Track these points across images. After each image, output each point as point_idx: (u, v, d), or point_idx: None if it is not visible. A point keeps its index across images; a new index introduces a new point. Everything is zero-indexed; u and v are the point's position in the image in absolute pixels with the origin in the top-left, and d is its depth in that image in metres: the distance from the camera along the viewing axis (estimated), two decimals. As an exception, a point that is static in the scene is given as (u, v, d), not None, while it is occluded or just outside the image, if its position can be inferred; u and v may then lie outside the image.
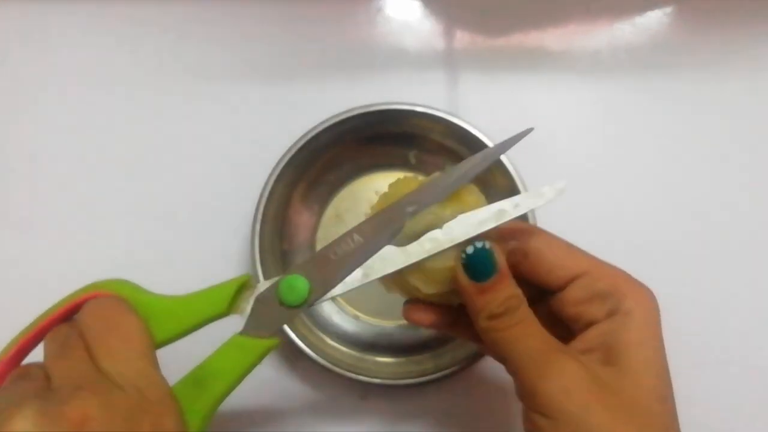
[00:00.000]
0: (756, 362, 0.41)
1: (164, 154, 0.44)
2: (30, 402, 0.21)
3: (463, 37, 0.47)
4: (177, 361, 0.27)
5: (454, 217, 0.27)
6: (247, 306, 0.27)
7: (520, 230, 0.29)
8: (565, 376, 0.24)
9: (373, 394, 0.40)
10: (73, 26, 0.46)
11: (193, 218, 0.43)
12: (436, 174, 0.28)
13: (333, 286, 0.27)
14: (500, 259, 0.26)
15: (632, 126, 0.45)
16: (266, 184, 0.38)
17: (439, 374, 0.36)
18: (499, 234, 0.28)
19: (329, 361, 0.36)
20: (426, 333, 0.40)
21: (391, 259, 0.27)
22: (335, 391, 0.40)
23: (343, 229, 0.41)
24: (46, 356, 0.25)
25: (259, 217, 0.38)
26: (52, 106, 0.45)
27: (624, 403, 0.24)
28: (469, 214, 0.27)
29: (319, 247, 0.42)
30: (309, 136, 0.38)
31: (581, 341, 0.27)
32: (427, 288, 0.28)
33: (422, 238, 0.27)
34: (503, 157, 0.38)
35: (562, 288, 0.28)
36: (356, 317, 0.41)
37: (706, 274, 0.42)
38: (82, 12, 0.46)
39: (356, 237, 0.27)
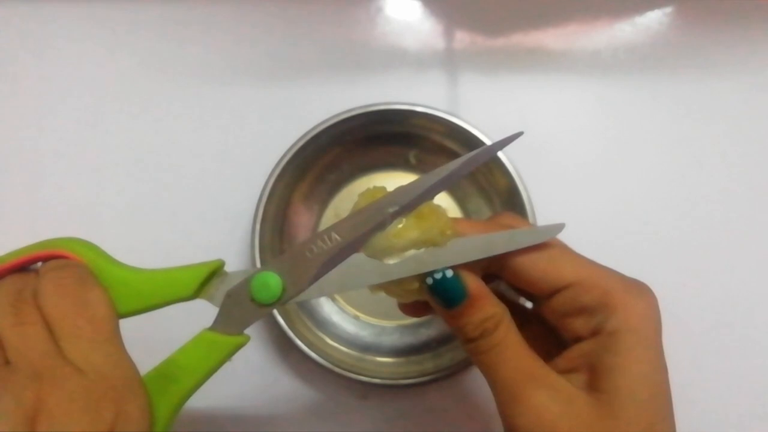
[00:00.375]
0: (757, 362, 0.41)
1: (165, 155, 0.44)
2: None
3: (463, 38, 0.47)
4: (137, 344, 0.26)
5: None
6: (216, 294, 0.26)
7: (491, 230, 0.27)
8: (532, 411, 0.24)
9: (373, 394, 0.40)
10: (75, 28, 0.46)
11: (194, 217, 0.43)
12: (422, 176, 0.27)
13: (307, 287, 0.26)
14: (470, 282, 0.25)
15: (632, 125, 0.45)
16: (266, 183, 0.38)
17: (438, 374, 0.37)
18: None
19: (330, 361, 0.36)
20: (426, 334, 0.40)
21: (368, 272, 0.26)
22: (336, 391, 0.40)
23: (343, 229, 0.42)
24: None
25: (260, 216, 0.38)
26: (54, 108, 0.45)
27: None
28: (459, 241, 0.25)
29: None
30: (309, 136, 0.38)
31: (564, 359, 0.26)
32: (405, 299, 0.28)
33: (405, 257, 0.26)
34: (503, 157, 0.38)
35: (549, 297, 0.26)
36: (356, 317, 0.41)
37: (707, 275, 0.42)
38: (84, 14, 0.46)
39: (334, 236, 0.26)
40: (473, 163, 0.27)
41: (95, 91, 0.45)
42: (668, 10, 0.48)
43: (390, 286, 0.26)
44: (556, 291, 0.26)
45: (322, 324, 0.40)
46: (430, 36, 0.46)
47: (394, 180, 0.43)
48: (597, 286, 0.25)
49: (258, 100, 0.45)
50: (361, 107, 0.39)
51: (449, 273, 0.25)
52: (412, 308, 0.30)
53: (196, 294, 0.26)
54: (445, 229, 0.25)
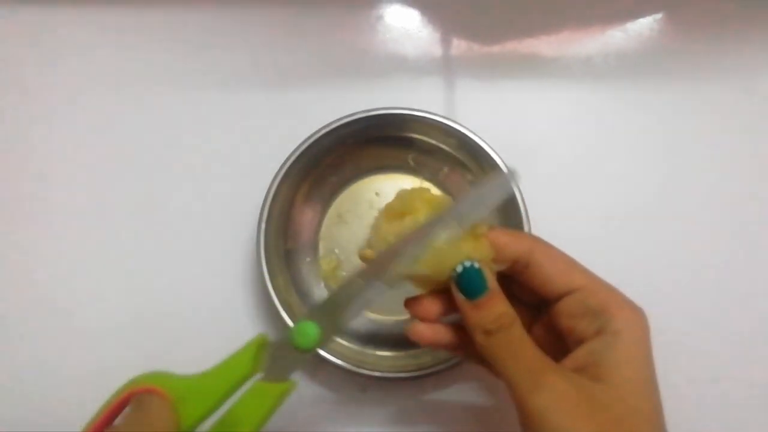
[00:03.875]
0: (747, 377, 0.41)
1: (172, 158, 0.45)
2: None
3: (460, 45, 0.47)
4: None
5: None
6: (269, 360, 0.29)
7: (520, 240, 0.30)
8: (553, 395, 0.26)
9: (373, 387, 0.40)
10: (82, 33, 0.47)
11: (201, 218, 0.43)
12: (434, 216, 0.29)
13: (341, 328, 0.29)
14: (489, 278, 0.28)
15: (624, 130, 0.45)
16: (271, 185, 0.39)
17: (436, 368, 0.37)
18: (501, 245, 0.29)
19: (331, 354, 0.37)
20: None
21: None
22: (336, 384, 0.40)
23: (344, 229, 0.43)
24: None
25: (264, 216, 0.38)
26: (61, 111, 0.45)
27: (611, 419, 0.25)
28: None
29: (321, 245, 0.43)
30: (312, 140, 0.39)
31: (572, 359, 0.28)
32: (426, 287, 0.30)
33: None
34: (498, 160, 0.39)
35: (557, 300, 0.30)
36: (357, 313, 0.42)
37: (699, 279, 0.42)
38: (90, 19, 0.47)
39: (359, 281, 0.29)
40: (484, 205, 0.30)
41: (103, 96, 0.46)
42: (659, 16, 0.48)
43: (419, 275, 0.29)
44: (566, 293, 0.29)
45: (325, 319, 0.41)
46: (429, 43, 0.47)
47: (393, 181, 0.43)
48: (599, 292, 0.29)
49: (262, 105, 0.45)
50: (362, 111, 0.40)
51: (476, 264, 0.28)
52: (421, 301, 0.31)
53: (254, 370, 0.29)
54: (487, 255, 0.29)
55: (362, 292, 0.29)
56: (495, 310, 0.28)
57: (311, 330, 0.29)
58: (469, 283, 0.28)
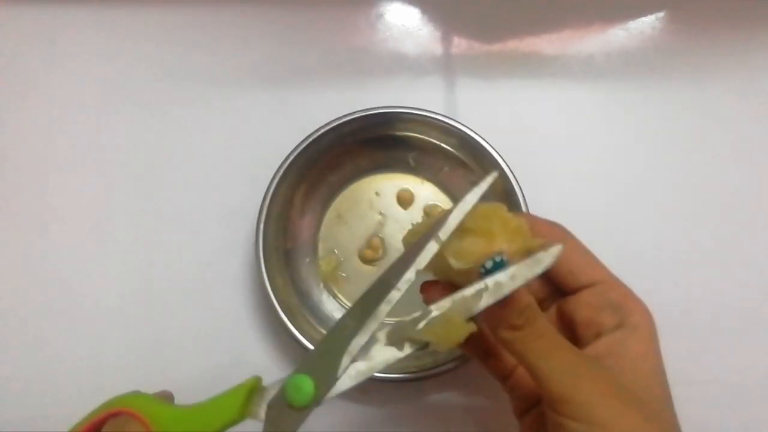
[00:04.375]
0: (743, 380, 0.41)
1: (171, 157, 0.45)
2: None
3: (460, 43, 0.47)
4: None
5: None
6: (260, 410, 0.27)
7: (553, 231, 0.31)
8: (599, 385, 0.25)
9: (373, 389, 0.40)
10: (81, 33, 0.47)
11: (200, 218, 0.43)
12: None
13: (337, 380, 0.26)
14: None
15: (625, 129, 0.45)
16: (270, 185, 0.39)
17: (437, 369, 0.37)
18: (540, 232, 0.30)
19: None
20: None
21: (387, 356, 0.26)
22: None
23: (344, 229, 0.42)
24: None
25: (263, 217, 0.38)
26: (62, 111, 0.45)
27: (643, 408, 0.26)
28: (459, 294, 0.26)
29: (321, 246, 0.42)
30: (311, 139, 0.39)
31: (593, 349, 0.29)
32: (459, 263, 0.27)
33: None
34: (499, 159, 0.39)
35: (575, 291, 0.30)
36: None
37: (701, 276, 0.43)
38: (91, 20, 0.47)
39: (348, 321, 0.27)
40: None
41: (103, 96, 0.46)
42: (661, 14, 0.48)
43: (447, 265, 0.27)
44: (587, 285, 0.30)
45: (325, 320, 0.40)
46: (429, 41, 0.47)
47: (393, 181, 0.43)
48: (618, 287, 0.30)
49: (261, 104, 0.45)
50: (361, 110, 0.39)
51: (505, 257, 0.26)
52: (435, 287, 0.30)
53: (242, 415, 0.27)
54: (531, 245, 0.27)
55: (353, 335, 0.26)
56: (520, 303, 0.26)
57: (305, 384, 0.26)
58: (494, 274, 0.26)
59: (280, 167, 0.39)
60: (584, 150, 0.45)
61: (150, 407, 0.28)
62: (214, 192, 0.44)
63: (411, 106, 0.40)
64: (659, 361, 0.28)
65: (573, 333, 0.30)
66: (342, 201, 0.43)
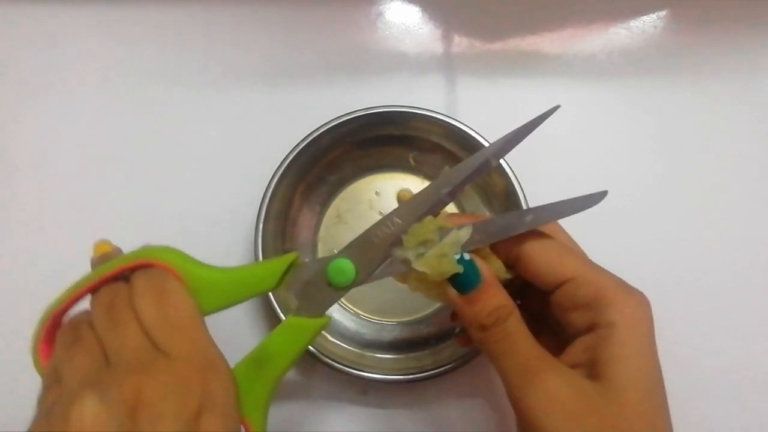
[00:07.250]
0: (743, 380, 0.41)
1: (170, 156, 0.44)
2: (89, 393, 0.21)
3: (461, 42, 0.47)
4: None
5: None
6: (294, 282, 0.28)
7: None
8: (545, 394, 0.25)
9: (373, 389, 0.40)
10: (80, 33, 0.47)
11: (199, 217, 0.43)
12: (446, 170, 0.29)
13: (375, 268, 0.28)
14: (483, 269, 0.27)
15: (627, 128, 0.45)
16: (269, 184, 0.38)
17: (437, 370, 0.37)
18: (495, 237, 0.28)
19: (331, 357, 0.37)
20: (425, 330, 0.41)
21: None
22: (336, 386, 0.40)
23: (343, 229, 0.42)
24: (95, 317, 0.25)
25: (262, 216, 0.38)
26: (58, 109, 0.45)
27: (606, 422, 0.24)
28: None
29: (320, 246, 0.42)
30: (311, 138, 0.39)
31: (568, 354, 0.27)
32: (426, 291, 0.28)
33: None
34: (501, 159, 0.39)
35: (552, 291, 0.28)
36: (357, 315, 0.41)
37: (704, 277, 0.43)
38: (88, 16, 0.47)
39: (395, 220, 0.28)
40: (515, 141, 0.31)
41: (101, 95, 0.46)
42: (663, 13, 0.48)
43: (414, 276, 0.28)
44: (558, 284, 0.27)
45: (324, 321, 0.40)
46: (429, 40, 0.47)
47: (393, 180, 0.43)
48: (591, 283, 0.27)
49: (261, 103, 0.45)
50: (361, 109, 0.39)
51: (467, 255, 0.26)
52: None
53: (277, 285, 0.28)
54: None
55: (399, 233, 0.28)
56: (492, 302, 0.26)
57: (348, 267, 0.28)
58: (461, 276, 0.26)
59: (279, 167, 0.39)
60: (586, 149, 0.45)
61: (186, 265, 0.27)
62: (214, 192, 0.44)
63: (411, 105, 0.40)
64: (642, 364, 0.25)
65: (557, 343, 0.29)
66: (341, 201, 0.43)
